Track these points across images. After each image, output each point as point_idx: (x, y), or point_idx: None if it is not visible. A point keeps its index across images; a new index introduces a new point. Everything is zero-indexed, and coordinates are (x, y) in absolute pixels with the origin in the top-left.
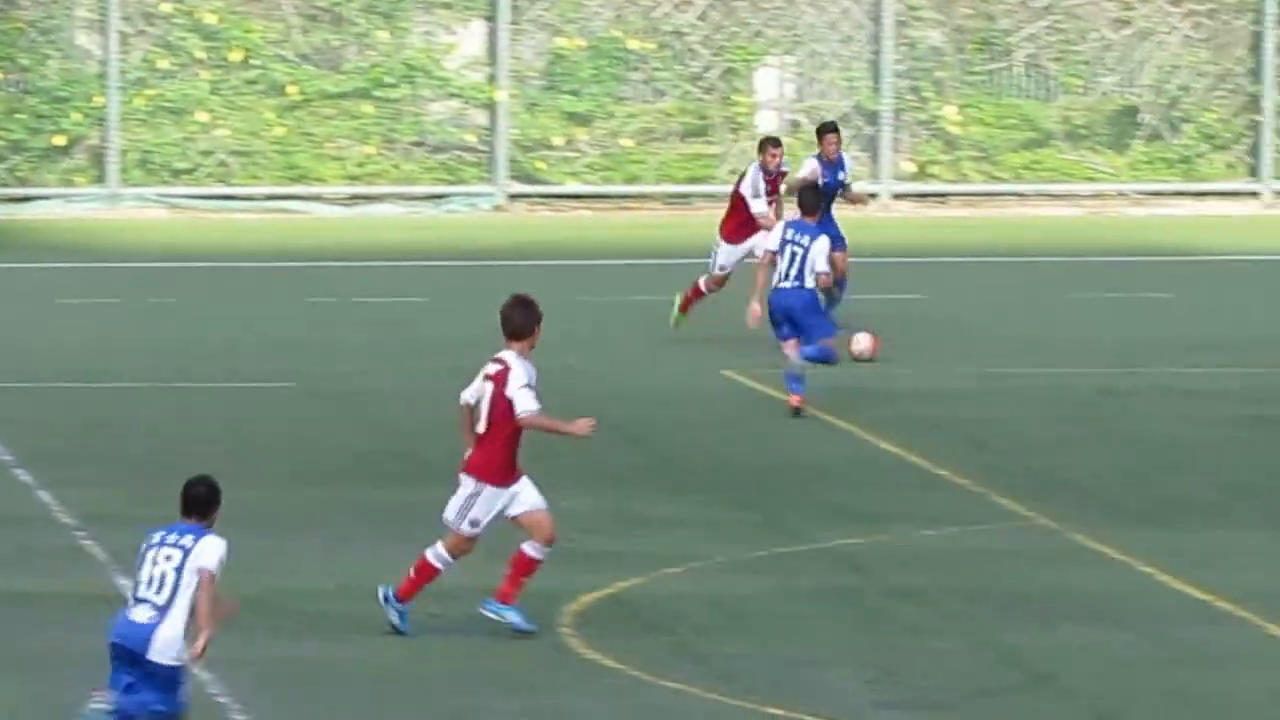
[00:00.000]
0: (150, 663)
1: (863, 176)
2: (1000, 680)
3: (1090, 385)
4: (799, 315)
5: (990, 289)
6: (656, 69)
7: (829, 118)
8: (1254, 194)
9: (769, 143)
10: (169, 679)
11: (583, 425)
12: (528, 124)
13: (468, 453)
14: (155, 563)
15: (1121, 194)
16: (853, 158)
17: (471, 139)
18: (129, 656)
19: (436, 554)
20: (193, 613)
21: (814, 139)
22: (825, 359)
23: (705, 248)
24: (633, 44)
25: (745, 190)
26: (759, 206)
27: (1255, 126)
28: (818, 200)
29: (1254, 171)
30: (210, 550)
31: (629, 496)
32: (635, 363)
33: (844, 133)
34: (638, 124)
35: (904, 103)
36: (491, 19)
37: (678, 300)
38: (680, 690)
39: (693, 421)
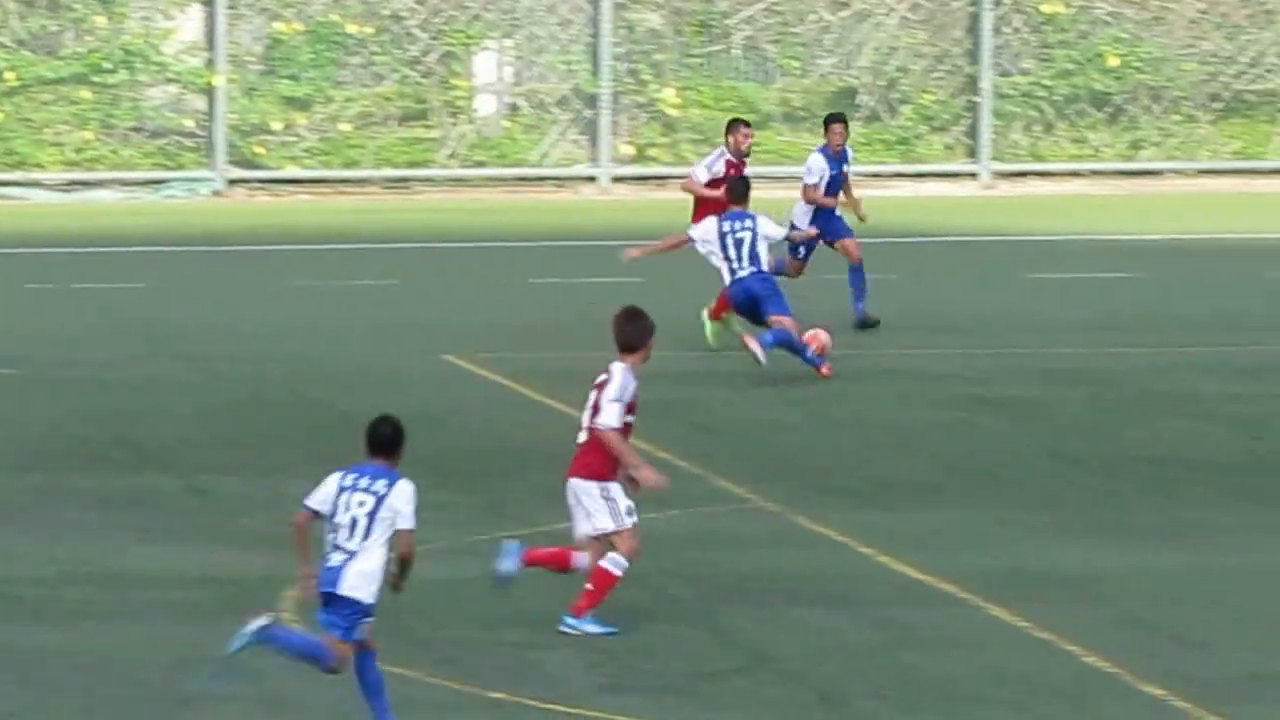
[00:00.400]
0: (337, 596)
1: (581, 160)
2: (723, 662)
3: (809, 368)
4: (761, 300)
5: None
6: (375, 53)
7: (551, 97)
8: (972, 175)
9: (739, 123)
10: (348, 612)
11: (653, 478)
12: (246, 109)
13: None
14: (348, 508)
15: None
16: (623, 142)
17: (190, 124)
18: (328, 597)
19: (615, 562)
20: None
21: (537, 122)
22: (787, 342)
23: (427, 230)
24: (351, 28)
25: (696, 170)
26: (698, 174)
27: (973, 108)
28: (746, 189)
29: (972, 153)
30: (405, 505)
31: None
32: (356, 348)
33: (562, 116)
34: (356, 108)
35: (623, 85)
36: (209, 4)
37: (706, 316)
38: (403, 675)
39: (415, 406)
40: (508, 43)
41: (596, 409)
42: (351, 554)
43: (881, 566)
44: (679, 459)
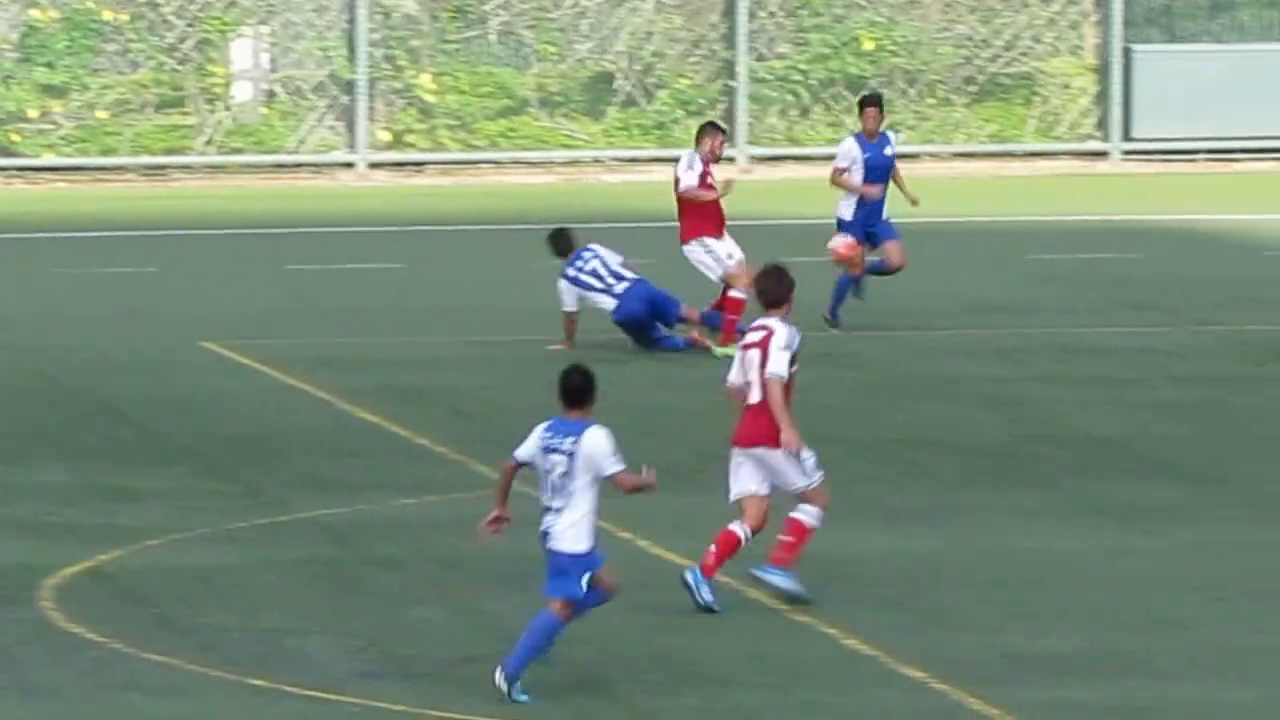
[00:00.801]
0: (554, 552)
1: (338, 146)
2: (482, 647)
3: (569, 353)
4: (658, 303)
5: (467, 257)
6: (131, 40)
7: (308, 83)
8: (729, 159)
9: (713, 128)
10: (572, 567)
11: (795, 441)
12: (2, 97)
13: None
14: (549, 471)
15: (598, 160)
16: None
17: None
18: (550, 554)
19: (809, 514)
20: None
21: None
22: (714, 320)
23: (185, 218)
24: (107, 15)
25: (686, 177)
26: (689, 179)
27: (730, 92)
28: (568, 240)
29: (729, 137)
30: (600, 454)
31: (109, 470)
32: (114, 336)
33: (319, 103)
34: (113, 95)
35: (379, 71)
36: None
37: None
38: (164, 663)
39: (173, 393)
40: (264, 29)
41: (764, 364)
42: (558, 510)
43: (641, 550)
44: (437, 445)
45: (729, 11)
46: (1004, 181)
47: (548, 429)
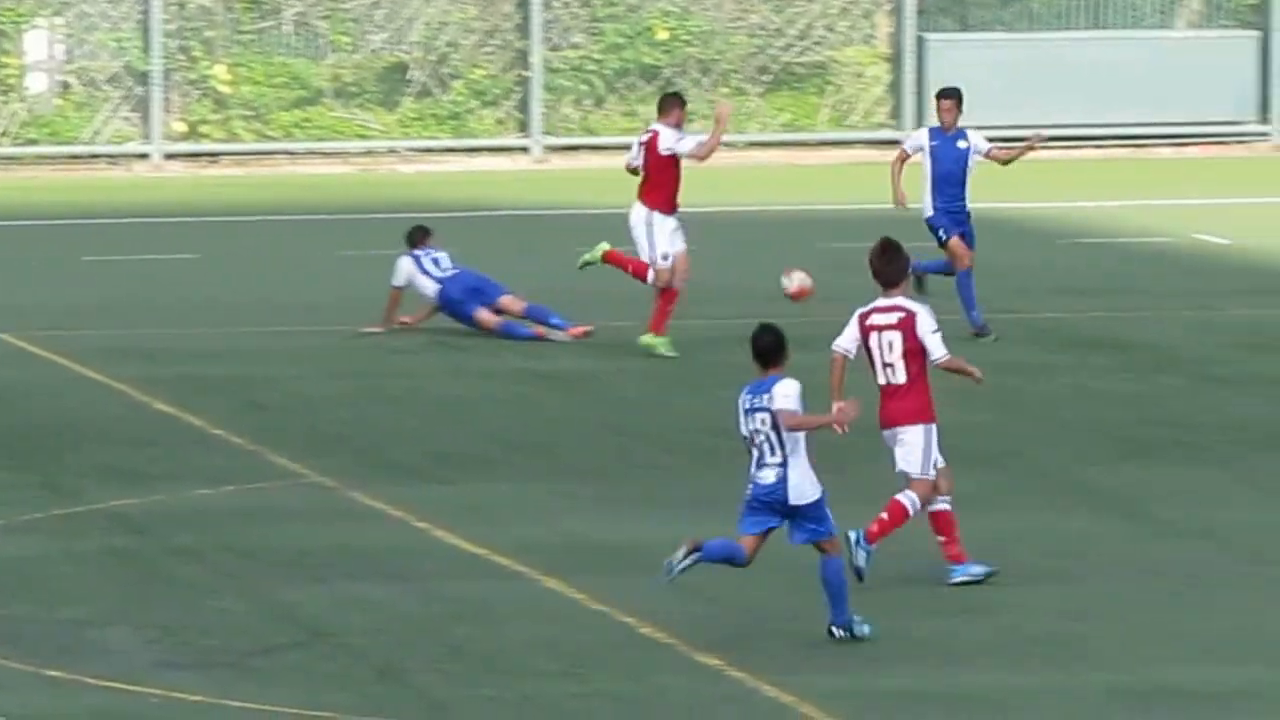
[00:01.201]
0: (796, 507)
1: (134, 137)
2: (280, 637)
3: (366, 343)
4: (480, 290)
5: (263, 248)
6: None
7: (102, 75)
8: (524, 149)
9: (678, 99)
10: (815, 513)
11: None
12: None
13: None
14: (757, 431)
15: (393, 151)
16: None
17: None
18: (772, 506)
19: (910, 499)
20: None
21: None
22: (541, 318)
23: None
24: None
25: (669, 143)
26: (687, 145)
27: (524, 82)
28: (426, 232)
29: (524, 127)
30: (785, 399)
31: None
32: None
33: (114, 94)
34: None
35: (174, 62)
36: None
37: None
38: None
39: None
40: (58, 20)
41: (918, 344)
42: (780, 465)
43: (438, 540)
44: (234, 435)
45: (523, 2)
46: (798, 170)
47: (748, 391)
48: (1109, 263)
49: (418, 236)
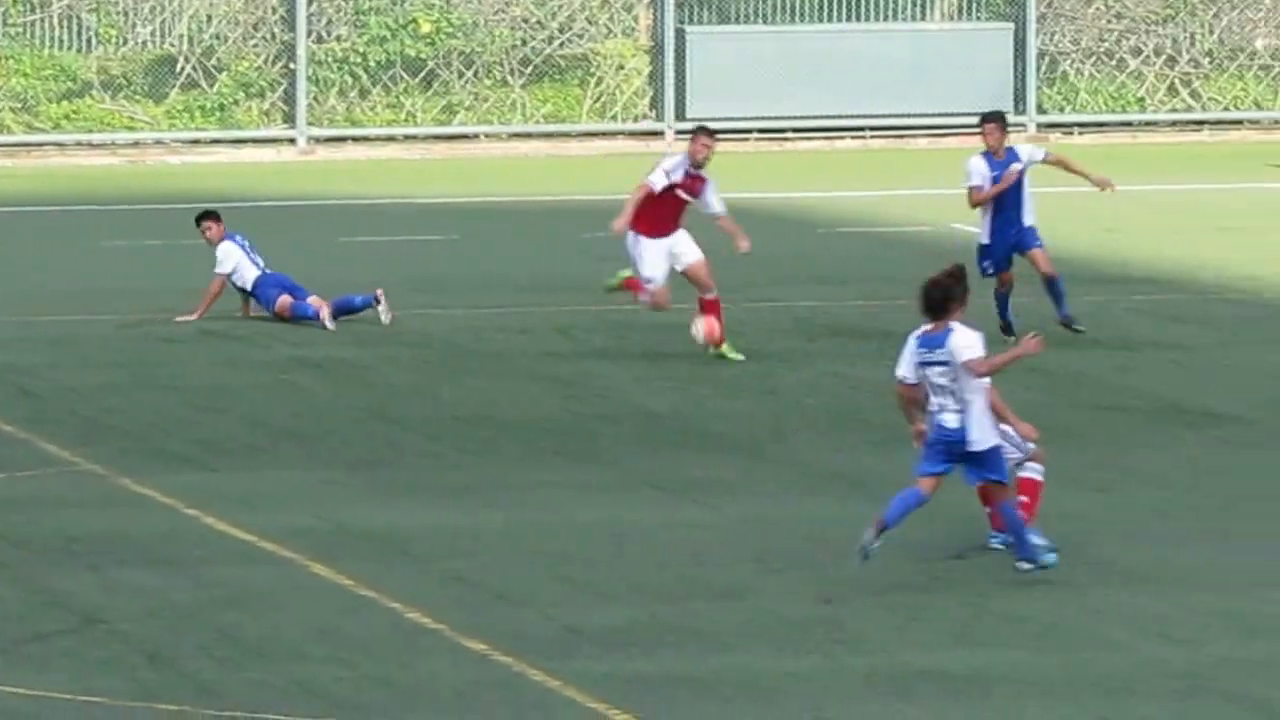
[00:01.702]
0: (974, 453)
1: None
2: (50, 624)
3: (136, 332)
4: (289, 290)
5: (31, 238)
6: None
7: None
8: (291, 141)
9: (699, 133)
10: (992, 458)
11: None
12: None
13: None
14: (934, 383)
15: (160, 142)
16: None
17: None
18: (951, 450)
19: (1036, 469)
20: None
21: None
22: (341, 308)
23: None
24: None
25: (653, 176)
26: (655, 179)
27: (290, 74)
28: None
29: (290, 119)
30: (964, 349)
31: None
32: None
33: None
34: None
35: None
36: None
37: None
38: None
39: None
40: None
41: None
42: (961, 412)
43: (208, 527)
44: (3, 424)
45: None
46: (560, 161)
47: (920, 345)
48: (868, 252)
49: (208, 222)
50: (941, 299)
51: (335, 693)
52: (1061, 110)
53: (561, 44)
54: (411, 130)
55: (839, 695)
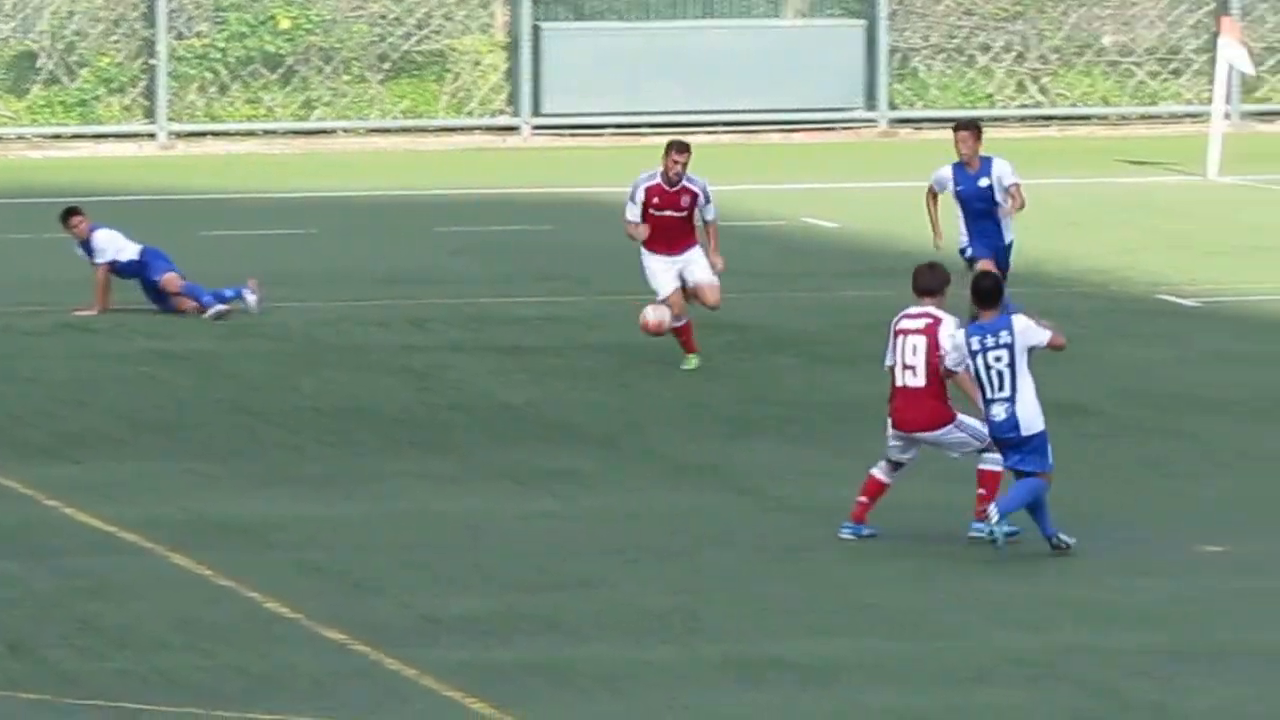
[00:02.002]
0: (1025, 438)
1: None
2: None
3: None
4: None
5: None
6: None
7: None
8: (151, 136)
9: (672, 147)
10: (1039, 444)
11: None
12: None
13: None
14: (989, 367)
15: (22, 137)
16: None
17: None
18: (1011, 443)
19: (993, 460)
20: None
21: None
22: (191, 294)
23: None
24: None
25: (626, 212)
26: (630, 214)
27: (150, 70)
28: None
29: (150, 114)
30: (1027, 332)
31: None
32: None
33: None
34: None
35: None
36: None
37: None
38: None
39: None
40: None
41: (936, 351)
42: (1009, 400)
43: (68, 518)
44: None
45: None
46: (417, 156)
47: (976, 332)
48: (722, 246)
49: (75, 218)
50: (993, 288)
51: (195, 681)
52: (912, 106)
53: (419, 40)
54: (271, 125)
55: (694, 684)
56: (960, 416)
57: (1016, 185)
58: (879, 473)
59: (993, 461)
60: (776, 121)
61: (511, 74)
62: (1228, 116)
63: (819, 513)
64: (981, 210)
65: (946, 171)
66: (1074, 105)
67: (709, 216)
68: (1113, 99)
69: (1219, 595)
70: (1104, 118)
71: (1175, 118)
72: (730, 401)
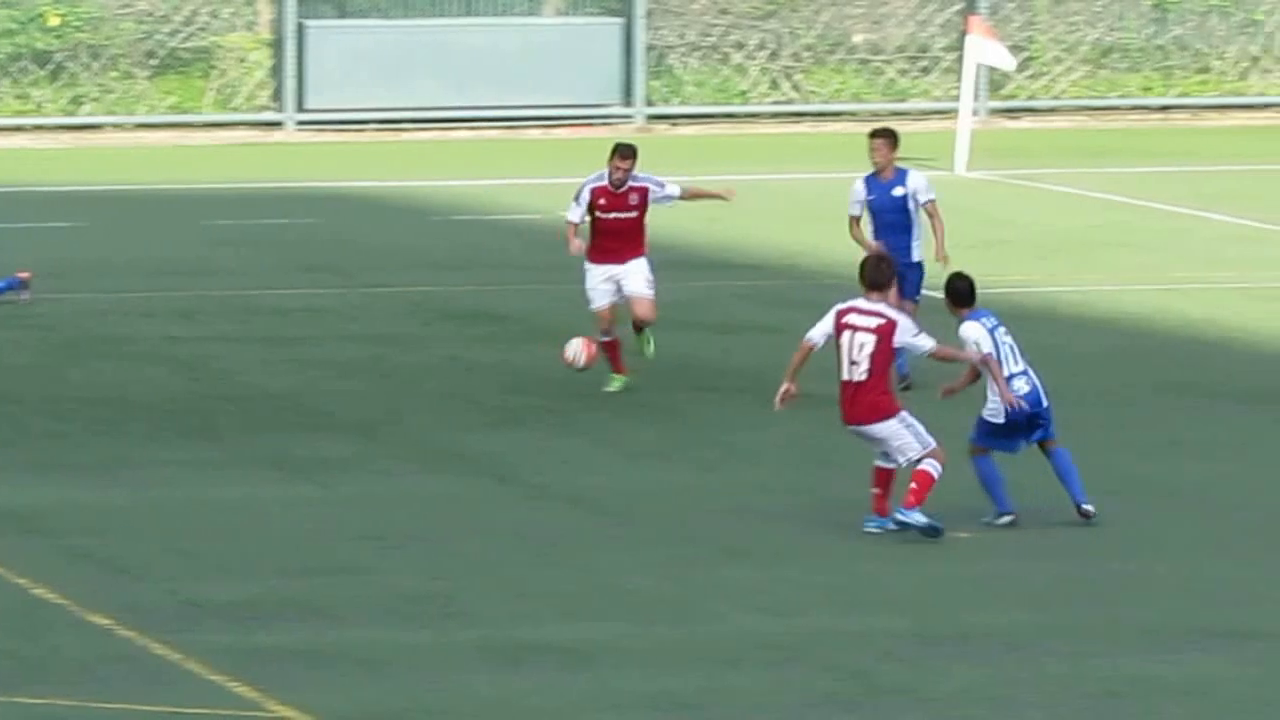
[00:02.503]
0: (1046, 406)
1: None
2: None
3: None
4: None
5: None
6: None
7: None
8: None
9: (615, 151)
10: (1048, 415)
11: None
12: None
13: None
14: (1001, 344)
15: None
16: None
17: None
18: (1039, 418)
19: (934, 466)
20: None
21: None
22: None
23: None
24: None
25: (569, 214)
26: (571, 214)
27: None
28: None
29: None
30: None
31: None
32: None
33: None
34: None
35: None
36: None
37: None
38: None
39: None
40: None
41: (884, 354)
42: (1024, 373)
43: None
44: None
45: None
46: (184, 151)
47: (980, 318)
48: (481, 239)
49: None
50: (969, 288)
51: None
52: (668, 102)
53: (186, 37)
54: (40, 120)
55: (451, 667)
56: (908, 417)
57: (933, 202)
58: (880, 461)
59: (932, 466)
60: (537, 118)
61: (276, 70)
62: (976, 113)
63: (578, 501)
64: (892, 222)
65: (858, 186)
66: (826, 102)
67: (676, 190)
68: (864, 96)
69: (960, 581)
70: (854, 114)
71: (924, 114)
72: (490, 392)
